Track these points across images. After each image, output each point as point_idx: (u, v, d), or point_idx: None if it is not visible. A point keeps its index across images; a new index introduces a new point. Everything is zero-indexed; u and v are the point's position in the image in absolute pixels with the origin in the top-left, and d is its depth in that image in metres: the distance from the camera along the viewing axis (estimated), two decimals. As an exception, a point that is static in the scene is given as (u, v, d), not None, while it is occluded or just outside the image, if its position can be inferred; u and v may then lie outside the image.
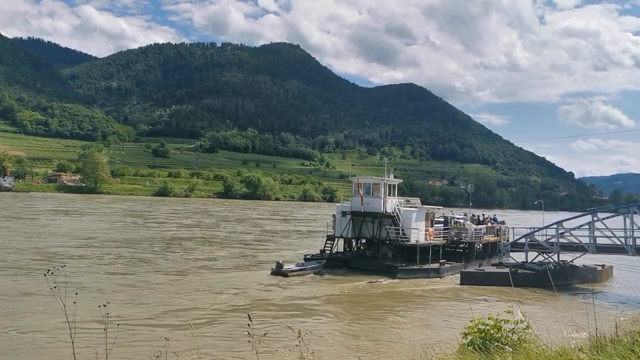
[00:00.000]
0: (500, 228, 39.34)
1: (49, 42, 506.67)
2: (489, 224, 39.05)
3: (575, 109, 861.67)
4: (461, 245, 36.35)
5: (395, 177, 35.80)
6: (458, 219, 38.28)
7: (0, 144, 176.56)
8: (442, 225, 35.73)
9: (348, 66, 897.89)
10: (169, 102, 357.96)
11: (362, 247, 35.19)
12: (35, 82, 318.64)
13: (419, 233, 32.69)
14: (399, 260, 31.95)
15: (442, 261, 32.75)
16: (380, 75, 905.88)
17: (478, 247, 36.17)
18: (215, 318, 19.68)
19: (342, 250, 34.90)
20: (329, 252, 33.76)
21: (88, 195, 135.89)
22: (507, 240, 37.80)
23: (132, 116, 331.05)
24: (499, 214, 53.43)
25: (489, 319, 7.29)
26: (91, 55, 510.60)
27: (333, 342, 16.79)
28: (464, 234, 35.49)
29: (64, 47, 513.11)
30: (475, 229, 36.07)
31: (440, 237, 34.27)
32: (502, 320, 7.19)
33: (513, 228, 35.60)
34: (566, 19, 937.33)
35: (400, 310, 23.29)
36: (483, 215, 42.53)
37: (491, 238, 37.46)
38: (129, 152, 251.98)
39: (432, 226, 34.48)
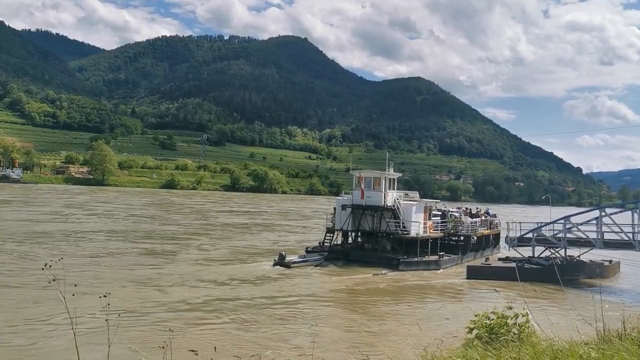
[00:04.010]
0: (492, 221, 40.96)
1: (56, 34, 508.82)
2: (482, 218, 40.13)
3: (580, 104, 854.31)
4: (454, 238, 37.20)
5: (394, 170, 36.18)
6: (453, 212, 39.04)
7: (8, 135, 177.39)
8: (439, 218, 36.50)
9: (352, 60, 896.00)
10: (176, 94, 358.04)
11: (360, 240, 35.42)
12: (43, 74, 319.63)
13: (418, 226, 33.23)
14: (398, 252, 32.39)
15: (440, 253, 33.39)
16: (384, 69, 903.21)
17: (473, 239, 36.74)
18: (219, 309, 19.75)
19: (337, 243, 35.12)
20: (328, 244, 34.07)
21: (90, 187, 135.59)
22: (499, 233, 39.94)
23: (140, 109, 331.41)
24: (506, 209, 53.67)
25: (493, 313, 7.34)
26: (99, 48, 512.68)
27: (339, 335, 16.86)
28: (460, 227, 36.28)
29: (71, 39, 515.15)
30: (471, 222, 37.05)
31: (438, 230, 34.93)
32: (507, 317, 7.24)
33: (520, 223, 35.53)
34: (570, 13, 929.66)
35: (407, 303, 23.29)
36: (477, 208, 43.63)
37: (485, 231, 38.83)
38: (137, 144, 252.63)
39: (429, 219, 35.12)
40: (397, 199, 33.96)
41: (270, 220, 65.07)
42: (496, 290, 18.22)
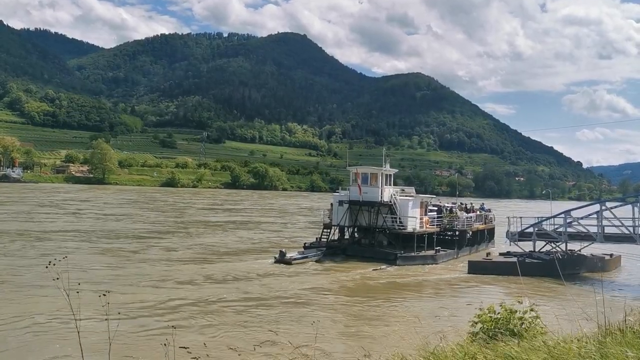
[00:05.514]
0: (487, 216, 41.53)
1: (55, 32, 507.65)
2: (478, 213, 40.54)
3: (579, 98, 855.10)
4: (450, 233, 37.43)
5: (391, 166, 36.33)
6: (448, 207, 39.37)
7: (8, 134, 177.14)
8: (435, 213, 36.84)
9: (350, 56, 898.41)
10: (175, 92, 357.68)
11: (356, 235, 35.54)
12: (42, 73, 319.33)
13: (415, 221, 33.46)
14: (395, 247, 32.58)
15: (437, 248, 33.60)
16: (383, 65, 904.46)
17: (469, 234, 37.00)
18: (222, 307, 19.73)
19: (333, 238, 35.22)
20: (325, 240, 34.23)
21: (85, 186, 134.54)
22: (494, 228, 40.50)
23: (139, 107, 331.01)
24: (507, 204, 53.69)
25: (500, 307, 7.29)
26: (97, 46, 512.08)
27: (342, 329, 16.88)
28: (456, 222, 36.67)
29: (70, 38, 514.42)
30: (467, 217, 37.44)
31: (434, 225, 35.20)
32: (515, 310, 7.19)
33: (521, 217, 35.57)
34: (567, 7, 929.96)
35: (407, 298, 23.28)
36: (471, 204, 43.97)
37: (480, 226, 39.31)
38: (137, 143, 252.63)
39: (426, 214, 35.38)
40: (394, 195, 34.19)
41: (259, 218, 64.83)
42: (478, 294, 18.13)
